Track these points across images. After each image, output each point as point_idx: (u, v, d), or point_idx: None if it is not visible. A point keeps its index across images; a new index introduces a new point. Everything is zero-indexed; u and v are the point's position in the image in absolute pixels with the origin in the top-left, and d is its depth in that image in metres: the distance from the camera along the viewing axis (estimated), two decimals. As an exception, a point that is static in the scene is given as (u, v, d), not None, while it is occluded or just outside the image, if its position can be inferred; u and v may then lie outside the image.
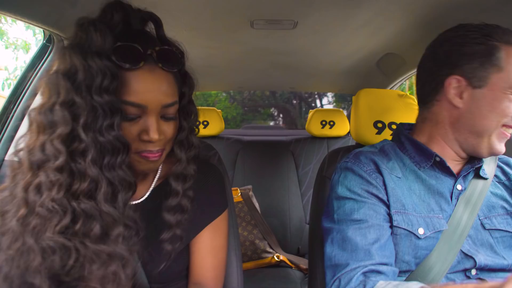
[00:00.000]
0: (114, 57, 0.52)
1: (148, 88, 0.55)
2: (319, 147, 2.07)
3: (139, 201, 0.68)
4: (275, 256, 1.67)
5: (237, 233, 0.90)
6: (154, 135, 0.56)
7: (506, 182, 0.76)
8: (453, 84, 0.69)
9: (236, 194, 1.71)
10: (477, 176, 0.74)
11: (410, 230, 0.67)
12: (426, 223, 0.68)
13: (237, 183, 1.95)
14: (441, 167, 0.73)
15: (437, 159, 0.72)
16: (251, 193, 1.76)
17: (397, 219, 0.68)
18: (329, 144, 2.07)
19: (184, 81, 0.65)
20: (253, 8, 0.91)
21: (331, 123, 2.07)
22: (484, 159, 0.75)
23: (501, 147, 0.70)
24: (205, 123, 2.08)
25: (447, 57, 0.70)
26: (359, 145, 1.16)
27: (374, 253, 0.63)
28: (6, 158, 1.03)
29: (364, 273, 0.62)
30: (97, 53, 0.51)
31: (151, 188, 0.69)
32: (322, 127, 2.07)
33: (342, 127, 2.08)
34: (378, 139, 0.94)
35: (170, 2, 0.87)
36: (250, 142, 2.11)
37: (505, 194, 0.74)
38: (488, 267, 0.66)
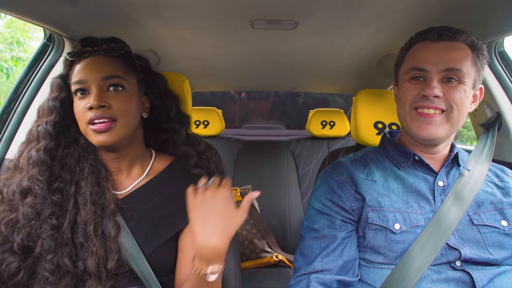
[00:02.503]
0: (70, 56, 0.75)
1: (89, 68, 0.71)
2: (319, 147, 2.07)
3: (127, 190, 0.77)
4: (274, 256, 1.67)
5: (235, 232, 0.90)
6: (94, 101, 0.68)
7: (498, 183, 0.80)
8: (394, 89, 0.87)
9: (236, 194, 1.71)
10: (457, 167, 0.80)
11: (385, 226, 0.73)
12: (403, 218, 0.73)
13: (237, 182, 1.95)
14: (421, 165, 0.78)
15: (416, 157, 0.78)
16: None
17: (372, 216, 0.74)
18: (329, 144, 2.07)
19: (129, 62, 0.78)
20: (254, 8, 0.91)
21: (332, 123, 2.07)
22: (472, 157, 0.82)
23: (417, 129, 0.75)
24: (206, 123, 2.08)
25: None
26: (359, 145, 1.16)
27: (320, 259, 0.73)
28: (7, 157, 1.03)
29: (308, 282, 0.71)
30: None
31: (139, 180, 0.78)
32: (323, 127, 2.07)
33: (342, 128, 2.08)
34: (378, 139, 0.94)
35: (171, 1, 0.87)
36: (250, 142, 2.11)
37: (495, 192, 0.78)
38: (472, 260, 0.69)
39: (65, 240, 0.67)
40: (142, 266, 0.69)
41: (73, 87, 0.71)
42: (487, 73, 1.06)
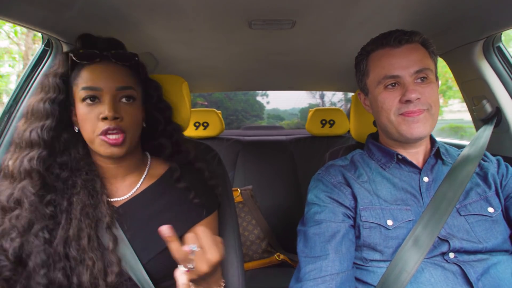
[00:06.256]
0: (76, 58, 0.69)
1: (103, 75, 0.68)
2: (319, 146, 2.07)
3: (125, 198, 0.75)
4: (276, 256, 1.67)
5: (238, 234, 0.90)
6: (109, 112, 0.65)
7: (479, 172, 0.82)
8: (361, 97, 0.90)
9: (237, 195, 1.71)
10: (442, 161, 0.82)
11: (379, 222, 0.74)
12: (394, 215, 0.75)
13: (238, 183, 1.95)
14: (405, 163, 0.81)
15: (399, 156, 0.81)
16: (251, 193, 1.76)
17: (365, 214, 0.76)
18: (329, 143, 2.07)
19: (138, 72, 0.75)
20: (251, 8, 0.91)
21: (331, 122, 2.07)
22: (464, 156, 0.82)
23: (409, 130, 0.75)
24: (205, 124, 2.08)
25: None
26: (359, 144, 1.16)
27: (330, 249, 0.72)
28: (7, 162, 1.03)
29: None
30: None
31: (136, 187, 0.76)
32: (322, 126, 2.07)
33: (342, 126, 2.08)
34: (378, 137, 0.94)
35: (168, 3, 0.87)
36: (250, 143, 2.11)
37: (479, 181, 0.79)
38: (464, 249, 0.70)
39: (58, 255, 0.64)
40: (140, 275, 0.68)
41: (82, 93, 0.67)
42: (486, 68, 1.06)
